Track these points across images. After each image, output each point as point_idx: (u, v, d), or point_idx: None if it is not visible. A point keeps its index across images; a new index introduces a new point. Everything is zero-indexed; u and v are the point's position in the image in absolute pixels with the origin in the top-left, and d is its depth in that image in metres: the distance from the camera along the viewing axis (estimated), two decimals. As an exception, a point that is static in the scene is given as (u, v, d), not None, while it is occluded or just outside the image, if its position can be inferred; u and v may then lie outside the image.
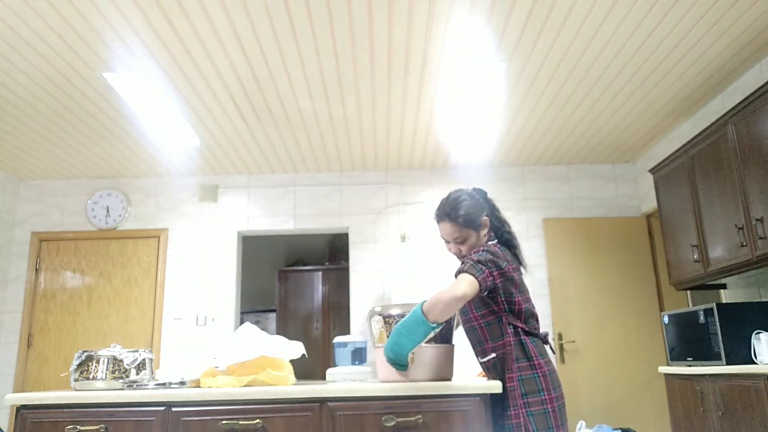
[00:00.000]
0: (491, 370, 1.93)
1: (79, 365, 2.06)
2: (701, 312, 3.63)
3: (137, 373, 2.10)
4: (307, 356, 2.44)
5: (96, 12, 3.06)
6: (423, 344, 1.86)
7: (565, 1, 3.08)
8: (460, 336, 2.06)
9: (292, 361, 2.12)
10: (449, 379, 1.93)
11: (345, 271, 6.77)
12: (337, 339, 2.77)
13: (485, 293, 1.89)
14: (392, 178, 5.72)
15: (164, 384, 1.96)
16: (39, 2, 2.97)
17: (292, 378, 2.04)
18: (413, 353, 1.85)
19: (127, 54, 3.47)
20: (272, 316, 7.36)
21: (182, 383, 2.00)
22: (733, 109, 3.54)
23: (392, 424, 1.75)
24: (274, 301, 7.46)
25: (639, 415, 5.11)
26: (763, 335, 3.27)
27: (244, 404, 1.80)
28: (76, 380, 2.05)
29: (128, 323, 5.41)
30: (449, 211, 2.02)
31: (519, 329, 1.91)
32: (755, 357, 3.33)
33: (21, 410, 1.84)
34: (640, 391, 5.16)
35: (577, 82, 4.01)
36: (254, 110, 4.29)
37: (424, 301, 1.80)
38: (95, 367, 2.06)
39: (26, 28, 3.19)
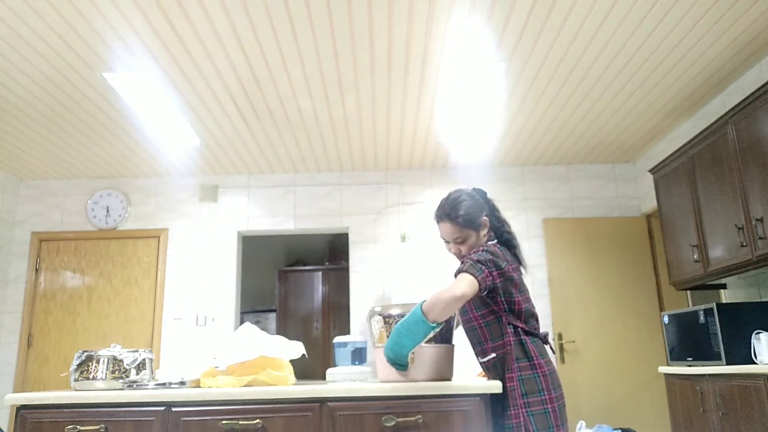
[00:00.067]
0: (491, 370, 1.93)
1: (79, 365, 2.06)
2: (701, 312, 3.63)
3: (137, 373, 2.10)
4: (307, 356, 2.44)
5: (96, 12, 3.06)
6: (423, 344, 1.86)
7: (565, 1, 3.08)
8: (460, 336, 2.06)
9: (292, 361, 2.12)
10: (449, 379, 1.93)
11: (345, 271, 6.77)
12: (337, 339, 2.77)
13: (485, 293, 1.89)
14: (392, 178, 5.72)
15: (164, 384, 1.97)
16: (39, 2, 2.97)
17: (292, 378, 2.04)
18: (413, 353, 1.85)
19: (127, 54, 3.47)
20: (272, 316, 7.37)
21: (182, 383, 2.00)
22: (733, 109, 3.54)
23: (392, 424, 1.75)
24: (274, 301, 7.46)
25: (639, 415, 5.11)
26: (763, 335, 3.27)
27: (244, 404, 1.80)
28: (76, 380, 2.05)
29: (128, 323, 5.41)
30: (449, 211, 2.02)
31: (519, 329, 1.91)
32: (755, 357, 3.33)
33: (21, 410, 1.84)
34: (640, 391, 5.16)
35: (577, 82, 4.01)
36: (254, 110, 4.29)
37: (424, 301, 1.80)
38: (95, 367, 2.06)
39: (26, 28, 3.19)
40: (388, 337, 1.91)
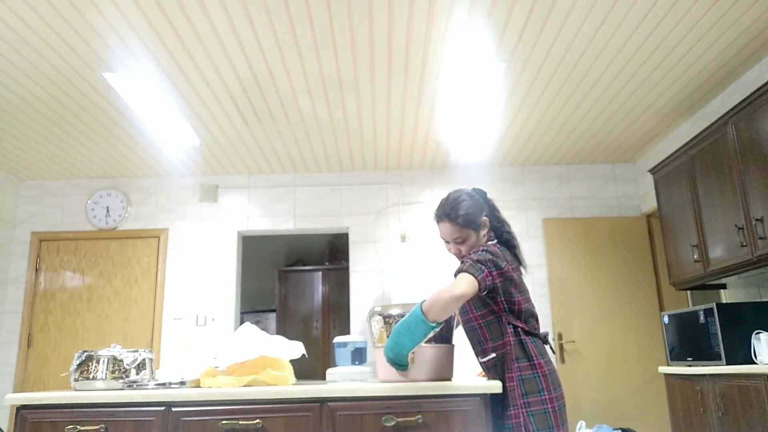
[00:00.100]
0: (491, 370, 1.93)
1: (79, 365, 2.06)
2: (701, 312, 3.63)
3: (137, 373, 2.10)
4: (307, 356, 2.44)
5: (96, 12, 3.06)
6: (423, 344, 1.86)
7: (565, 2, 3.08)
8: (460, 336, 2.06)
9: (292, 361, 2.12)
10: (449, 379, 1.93)
11: (345, 271, 6.77)
12: (337, 339, 2.77)
13: (484, 293, 1.89)
14: (392, 178, 5.72)
15: (164, 384, 1.97)
16: (39, 2, 2.97)
17: (292, 378, 2.04)
18: (413, 353, 1.85)
19: (127, 54, 3.47)
20: (272, 316, 7.36)
21: (182, 383, 2.00)
22: (733, 109, 3.54)
23: (392, 424, 1.75)
24: (274, 301, 7.46)
25: (639, 415, 5.11)
26: (763, 335, 3.27)
27: (244, 404, 1.80)
28: (76, 380, 2.05)
29: (128, 323, 5.41)
30: (449, 212, 2.02)
31: (519, 329, 1.91)
32: (755, 357, 3.33)
33: (21, 410, 1.84)
34: (640, 391, 5.16)
35: (577, 82, 4.01)
36: (254, 110, 4.29)
37: (424, 301, 1.80)
38: (95, 367, 2.06)
39: (26, 28, 3.19)
40: (388, 337, 1.91)
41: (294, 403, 1.80)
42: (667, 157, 4.33)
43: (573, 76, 3.91)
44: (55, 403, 1.83)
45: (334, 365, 3.23)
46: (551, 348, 2.03)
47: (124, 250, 5.57)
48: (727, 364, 3.35)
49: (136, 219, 5.62)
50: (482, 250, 1.92)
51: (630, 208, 5.60)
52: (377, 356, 1.94)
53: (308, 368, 6.68)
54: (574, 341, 5.23)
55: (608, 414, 5.10)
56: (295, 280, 7.27)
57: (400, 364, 1.84)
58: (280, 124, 4.55)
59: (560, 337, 5.24)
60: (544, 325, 5.25)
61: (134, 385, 1.95)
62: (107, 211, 5.60)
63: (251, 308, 7.53)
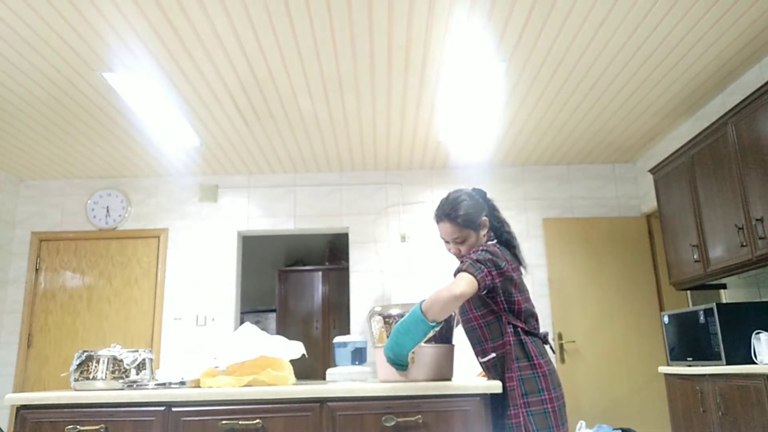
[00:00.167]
0: (491, 369, 1.93)
1: (79, 365, 2.06)
2: (701, 312, 3.63)
3: (137, 373, 2.10)
4: (307, 356, 2.44)
5: (96, 12, 3.06)
6: (423, 344, 1.86)
7: (565, 2, 3.08)
8: (460, 336, 2.06)
9: (292, 361, 2.12)
10: (449, 379, 1.93)
11: (345, 271, 6.77)
12: (337, 339, 2.77)
13: (484, 292, 1.89)
14: (392, 178, 5.72)
15: (164, 384, 1.97)
16: (39, 2, 2.97)
17: (292, 378, 2.04)
18: (413, 353, 1.85)
19: (127, 54, 3.47)
20: (272, 316, 7.36)
21: (182, 383, 2.00)
22: (733, 109, 3.54)
23: (392, 424, 1.75)
24: (274, 301, 7.46)
25: (639, 415, 5.11)
26: (763, 335, 3.27)
27: (244, 404, 1.80)
28: (76, 380, 2.05)
29: (128, 323, 5.41)
30: (449, 212, 2.02)
31: (519, 329, 1.91)
32: (755, 357, 3.33)
33: (21, 410, 1.84)
34: (640, 391, 5.16)
35: (577, 82, 4.01)
36: (254, 110, 4.29)
37: (423, 301, 1.80)
38: (95, 367, 2.06)
39: (26, 28, 3.20)
40: (388, 337, 1.91)
41: (294, 403, 1.80)
42: (667, 157, 4.33)
43: (573, 76, 3.91)
44: (55, 403, 1.83)
45: (334, 365, 3.23)
46: (551, 348, 2.03)
47: (124, 250, 5.57)
48: (727, 364, 3.35)
49: (136, 219, 5.62)
50: (482, 250, 1.92)
51: (630, 208, 5.60)
52: (377, 356, 1.95)
53: (308, 368, 6.68)
54: (574, 341, 5.23)
55: (608, 414, 5.10)
56: (295, 280, 7.27)
57: (400, 364, 1.84)
58: (280, 124, 4.55)
59: (560, 337, 5.24)
60: (544, 325, 5.25)
61: (134, 385, 1.95)
62: (107, 211, 5.60)
63: (251, 308, 7.53)
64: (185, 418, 1.79)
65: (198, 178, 5.71)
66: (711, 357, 3.51)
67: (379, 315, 1.97)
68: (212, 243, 5.56)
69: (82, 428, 1.80)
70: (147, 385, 1.95)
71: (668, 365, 4.21)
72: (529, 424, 1.80)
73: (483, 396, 1.79)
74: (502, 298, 1.91)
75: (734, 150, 3.55)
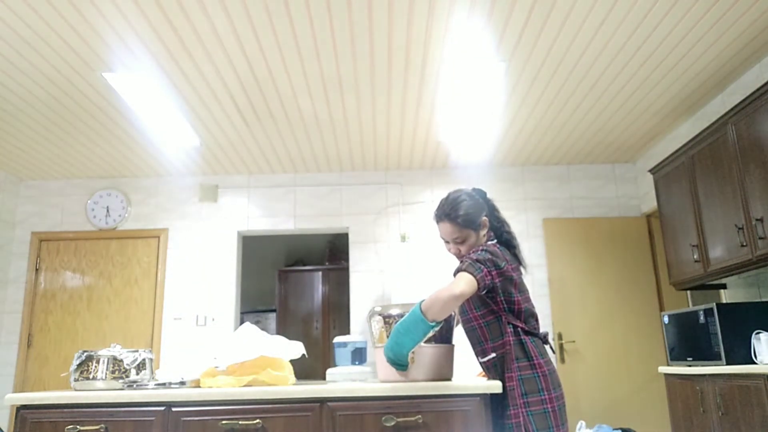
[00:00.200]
0: (491, 369, 1.93)
1: (79, 365, 2.06)
2: (701, 312, 3.63)
3: (137, 373, 2.10)
4: (307, 356, 2.44)
5: (96, 12, 3.06)
6: (423, 344, 1.86)
7: (565, 2, 3.08)
8: (460, 336, 2.06)
9: (292, 361, 2.12)
10: (449, 379, 1.93)
11: (345, 271, 6.77)
12: (337, 339, 2.77)
13: (484, 292, 1.89)
14: (392, 178, 5.72)
15: (164, 384, 1.97)
16: (39, 2, 2.97)
17: (292, 378, 2.04)
18: (413, 353, 1.85)
19: (127, 54, 3.47)
20: (272, 316, 7.36)
21: (182, 383, 2.00)
22: (733, 109, 3.53)
23: (392, 424, 1.75)
24: (274, 301, 7.46)
25: (639, 415, 5.11)
26: (763, 335, 3.27)
27: (244, 404, 1.80)
28: (76, 380, 2.05)
29: (128, 323, 5.41)
30: (449, 212, 2.02)
31: (519, 329, 1.91)
32: (755, 357, 3.33)
33: (21, 410, 1.84)
34: (640, 391, 5.16)
35: (577, 82, 4.01)
36: (254, 110, 4.29)
37: (423, 300, 1.80)
38: (95, 367, 2.06)
39: (26, 28, 3.20)
40: (388, 337, 1.91)
41: (294, 403, 1.80)
42: (667, 157, 4.33)
43: (573, 76, 3.91)
44: (55, 403, 1.83)
45: (334, 365, 3.23)
46: (551, 348, 2.03)
47: (124, 250, 5.57)
48: (727, 364, 3.35)
49: (136, 219, 5.62)
50: (481, 250, 1.92)
51: (630, 208, 5.60)
52: (377, 356, 1.94)
53: (308, 368, 6.68)
54: (574, 341, 5.23)
55: (608, 414, 5.10)
56: (295, 280, 7.27)
57: (400, 364, 1.84)
58: (280, 124, 4.55)
59: (560, 337, 5.24)
60: (544, 325, 5.25)
61: (134, 385, 1.95)
62: (107, 211, 5.60)
63: (251, 308, 7.53)
64: (185, 418, 1.79)
65: (198, 178, 5.71)
66: (711, 357, 3.51)
67: (379, 315, 1.97)
68: (212, 243, 5.56)
69: (82, 428, 1.80)
70: (147, 385, 1.95)
71: (668, 365, 4.21)
72: (529, 424, 1.80)
73: (483, 396, 1.79)
74: (502, 298, 1.91)
75: (734, 150, 3.55)
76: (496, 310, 1.93)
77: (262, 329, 2.32)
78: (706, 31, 3.41)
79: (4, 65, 3.56)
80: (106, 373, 2.05)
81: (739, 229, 3.50)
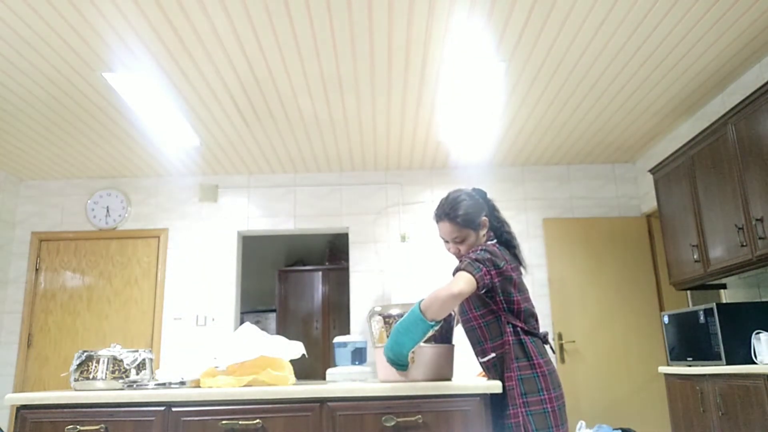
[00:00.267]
0: (491, 369, 1.93)
1: (79, 365, 2.06)
2: (701, 312, 3.63)
3: (137, 373, 2.10)
4: (307, 356, 2.44)
5: (96, 12, 3.06)
6: (423, 344, 1.86)
7: (565, 2, 3.08)
8: (459, 336, 2.06)
9: (292, 361, 2.12)
10: (449, 379, 1.93)
11: (345, 271, 6.77)
12: (337, 339, 2.77)
13: (483, 291, 1.89)
14: (392, 178, 5.72)
15: (164, 384, 1.97)
16: (39, 2, 2.97)
17: (292, 378, 2.04)
18: (413, 353, 1.85)
19: (127, 54, 3.47)
20: (272, 316, 7.36)
21: (182, 383, 2.00)
22: (733, 109, 3.54)
23: (392, 424, 1.75)
24: (274, 301, 7.46)
25: (639, 415, 5.11)
26: (763, 335, 3.27)
27: (244, 404, 1.80)
28: (76, 380, 2.05)
29: (128, 323, 5.41)
30: (448, 211, 2.02)
31: (518, 329, 1.91)
32: (755, 357, 3.33)
33: (21, 410, 1.84)
34: (640, 391, 5.16)
35: (577, 82, 4.01)
36: (254, 110, 4.29)
37: (422, 300, 1.80)
38: (95, 367, 2.06)
39: (26, 28, 3.20)
40: (388, 337, 1.91)
41: (294, 403, 1.80)
42: (667, 157, 4.33)
43: (573, 76, 3.91)
44: (55, 403, 1.83)
45: (334, 365, 3.23)
46: (551, 348, 2.03)
47: (124, 250, 5.57)
48: (727, 364, 3.35)
49: (136, 219, 5.62)
50: (481, 250, 1.92)
51: (630, 208, 5.60)
52: (377, 356, 1.95)
53: (308, 368, 6.68)
54: (574, 341, 5.23)
55: (608, 414, 5.10)
56: (295, 280, 7.27)
57: (400, 363, 1.84)
58: (280, 124, 4.55)
59: (560, 337, 5.24)
60: (544, 325, 5.25)
61: (134, 385, 1.95)
62: (107, 211, 5.60)
63: (251, 308, 7.53)
64: (185, 418, 1.79)
65: (198, 178, 5.71)
66: (711, 357, 3.51)
67: (379, 315, 1.97)
68: (212, 243, 5.57)
69: (82, 428, 1.80)
70: (147, 385, 1.95)
71: (668, 365, 4.21)
72: (529, 424, 1.80)
73: (483, 396, 1.79)
74: (502, 298, 1.91)
75: (734, 150, 3.55)
76: (496, 310, 1.93)
77: (262, 329, 2.32)
78: (706, 31, 3.41)
79: (4, 65, 3.56)
80: (106, 373, 2.05)
81: (739, 229, 3.50)
